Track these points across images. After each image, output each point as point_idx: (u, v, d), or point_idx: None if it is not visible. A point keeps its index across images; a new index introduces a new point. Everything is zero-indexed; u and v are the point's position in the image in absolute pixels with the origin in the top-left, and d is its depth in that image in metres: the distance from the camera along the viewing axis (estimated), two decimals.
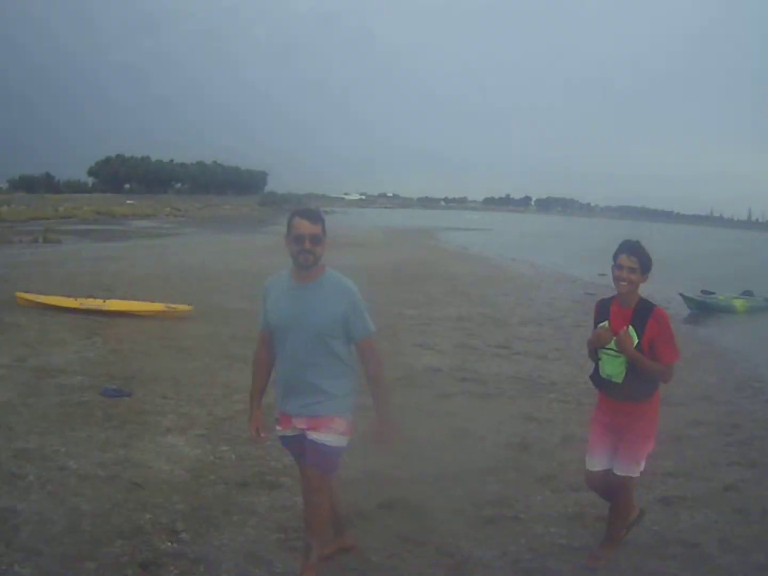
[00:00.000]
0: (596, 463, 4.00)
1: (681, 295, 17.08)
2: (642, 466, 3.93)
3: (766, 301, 17.99)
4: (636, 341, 3.69)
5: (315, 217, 3.41)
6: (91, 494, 4.73)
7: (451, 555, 4.25)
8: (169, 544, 4.15)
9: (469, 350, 10.36)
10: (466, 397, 7.82)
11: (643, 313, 3.75)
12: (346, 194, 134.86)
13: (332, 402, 3.42)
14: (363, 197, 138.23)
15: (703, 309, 16.90)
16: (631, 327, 3.72)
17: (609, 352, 3.81)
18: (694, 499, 5.20)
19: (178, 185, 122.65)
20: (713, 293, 17.79)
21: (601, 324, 3.84)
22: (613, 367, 3.80)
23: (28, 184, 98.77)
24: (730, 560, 4.29)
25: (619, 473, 3.91)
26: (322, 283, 3.42)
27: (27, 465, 5.10)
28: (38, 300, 11.61)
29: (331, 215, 67.81)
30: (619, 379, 3.78)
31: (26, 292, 12.08)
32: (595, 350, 3.92)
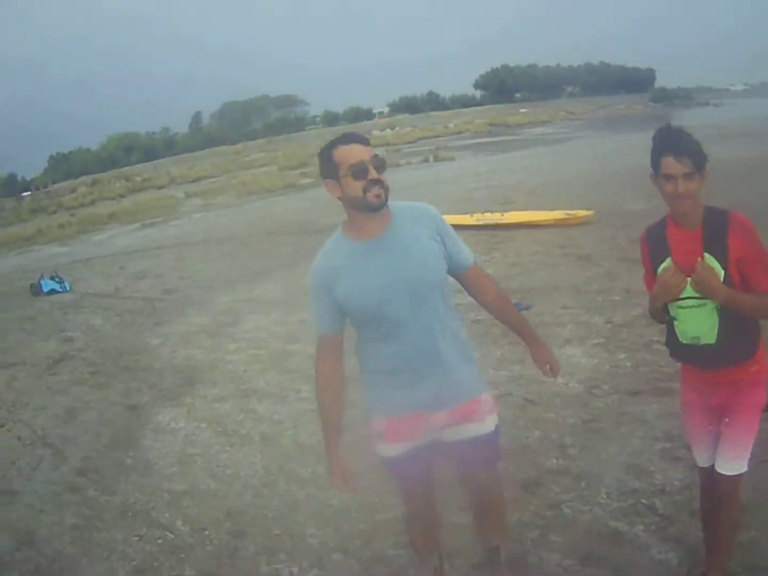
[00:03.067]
0: (705, 457, 2.73)
1: None
2: (749, 453, 2.60)
3: None
4: (722, 273, 2.39)
5: (363, 138, 2.45)
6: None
7: None
8: (555, 460, 4.01)
9: None
10: None
11: (717, 227, 2.40)
12: (731, 85, 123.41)
13: (474, 372, 2.61)
14: (747, 87, 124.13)
15: None
16: (707, 254, 2.41)
17: (687, 302, 2.48)
18: None
19: (570, 89, 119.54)
20: None
21: (663, 266, 2.49)
22: (699, 324, 2.49)
23: (409, 106, 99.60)
24: None
25: (725, 472, 2.61)
26: (395, 222, 2.46)
27: None
28: None
29: (720, 107, 63.71)
30: (711, 339, 2.47)
31: None
32: (663, 307, 2.55)
